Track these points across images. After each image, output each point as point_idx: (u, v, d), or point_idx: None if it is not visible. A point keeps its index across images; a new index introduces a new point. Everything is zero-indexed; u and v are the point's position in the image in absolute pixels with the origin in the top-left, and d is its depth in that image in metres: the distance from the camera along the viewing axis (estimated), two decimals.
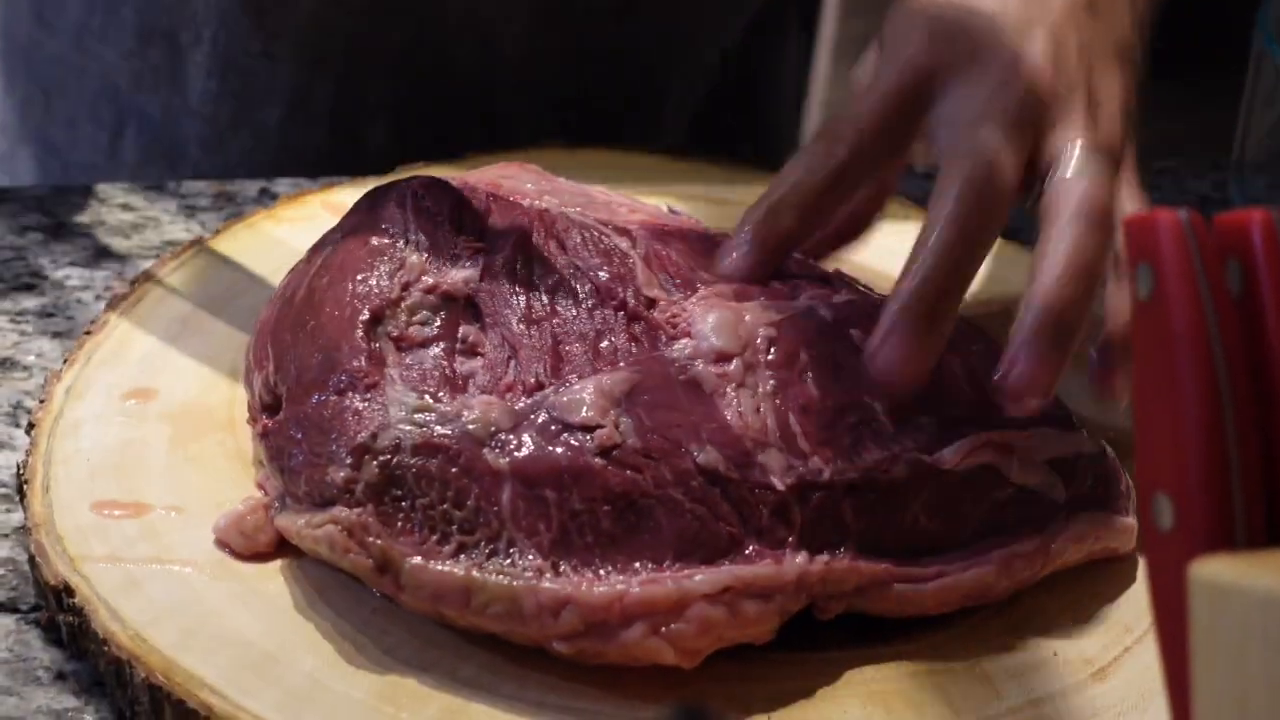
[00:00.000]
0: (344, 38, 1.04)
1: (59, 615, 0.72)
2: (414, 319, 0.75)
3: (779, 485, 0.70)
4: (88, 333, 0.84)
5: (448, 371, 0.73)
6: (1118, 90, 0.73)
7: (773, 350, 0.73)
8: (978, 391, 0.74)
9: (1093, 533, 0.74)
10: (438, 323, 0.74)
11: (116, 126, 1.09)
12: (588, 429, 0.70)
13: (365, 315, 0.74)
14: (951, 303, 0.69)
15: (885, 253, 0.82)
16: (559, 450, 0.69)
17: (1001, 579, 0.72)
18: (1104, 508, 0.74)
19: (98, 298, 0.90)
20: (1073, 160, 0.69)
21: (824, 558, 0.70)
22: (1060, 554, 0.73)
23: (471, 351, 0.74)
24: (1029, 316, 0.68)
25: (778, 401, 0.72)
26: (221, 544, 0.73)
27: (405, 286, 0.76)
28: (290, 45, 0.95)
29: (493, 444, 0.70)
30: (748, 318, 0.74)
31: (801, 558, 0.69)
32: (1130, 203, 0.72)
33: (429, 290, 0.75)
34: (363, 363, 0.73)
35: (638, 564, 0.68)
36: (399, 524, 0.69)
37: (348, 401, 0.72)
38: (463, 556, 0.68)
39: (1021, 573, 0.73)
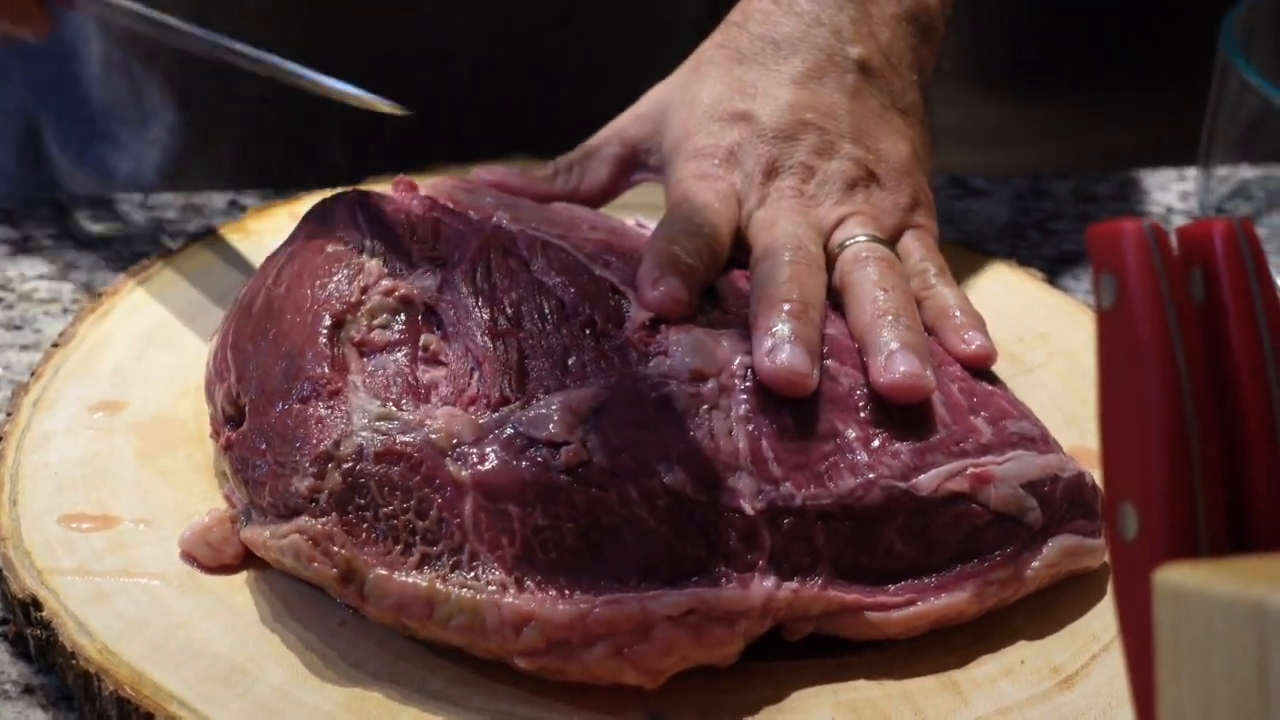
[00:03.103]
0: (296, 58, 1.04)
1: (27, 629, 0.71)
2: (375, 322, 0.74)
3: (748, 510, 0.70)
4: (56, 345, 0.84)
5: (410, 380, 0.72)
6: (897, 148, 0.83)
7: (749, 374, 0.73)
8: (955, 418, 0.74)
9: (1066, 559, 0.73)
10: (398, 327, 0.74)
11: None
12: (554, 445, 0.70)
13: (327, 321, 0.74)
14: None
15: None
16: (523, 465, 0.69)
17: (972, 605, 0.72)
18: (1079, 531, 0.74)
19: (65, 310, 0.90)
20: (850, 245, 0.79)
21: (793, 584, 0.70)
22: (1034, 580, 0.73)
23: (434, 360, 0.73)
24: (887, 358, 0.75)
25: (751, 426, 0.71)
26: (188, 556, 0.73)
27: (364, 290, 0.75)
28: (242, 72, 0.97)
29: (454, 455, 0.70)
30: (724, 342, 0.74)
31: (770, 582, 0.69)
32: (918, 249, 0.81)
33: (388, 293, 0.75)
34: (326, 369, 0.73)
35: (602, 583, 0.68)
36: (363, 534, 0.69)
37: (311, 409, 0.72)
38: (426, 568, 0.68)
39: (992, 598, 0.72)
